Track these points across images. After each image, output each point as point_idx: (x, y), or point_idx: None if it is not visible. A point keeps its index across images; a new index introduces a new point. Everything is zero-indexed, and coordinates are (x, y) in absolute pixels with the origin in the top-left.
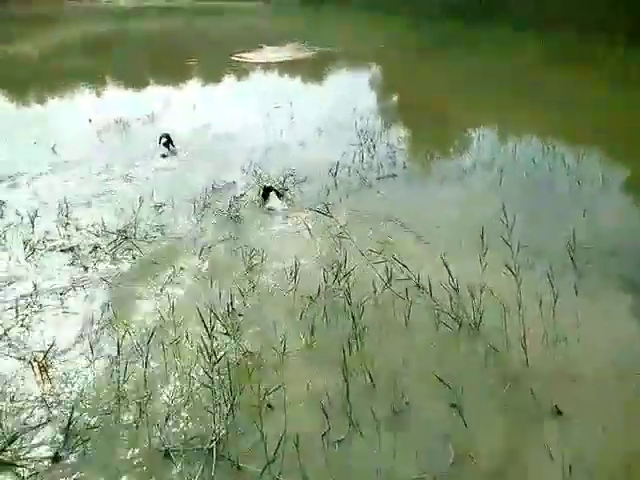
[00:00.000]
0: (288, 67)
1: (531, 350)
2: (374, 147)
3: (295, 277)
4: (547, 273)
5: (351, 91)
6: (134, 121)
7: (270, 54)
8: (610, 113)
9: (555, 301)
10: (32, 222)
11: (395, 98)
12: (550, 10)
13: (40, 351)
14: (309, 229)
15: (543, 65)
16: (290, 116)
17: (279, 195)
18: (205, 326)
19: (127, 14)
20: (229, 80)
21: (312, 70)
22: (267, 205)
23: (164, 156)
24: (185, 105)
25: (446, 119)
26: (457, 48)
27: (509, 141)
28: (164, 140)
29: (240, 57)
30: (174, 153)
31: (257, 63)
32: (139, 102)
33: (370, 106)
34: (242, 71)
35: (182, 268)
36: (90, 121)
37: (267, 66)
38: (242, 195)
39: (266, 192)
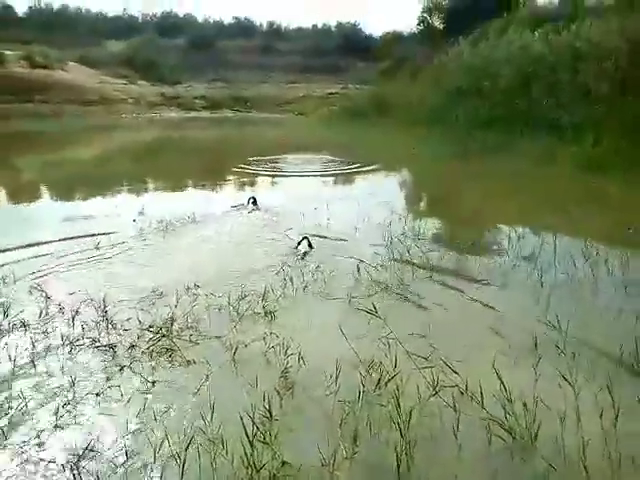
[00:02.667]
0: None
1: (591, 467)
2: (408, 251)
3: (337, 379)
4: (606, 384)
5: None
6: (175, 222)
7: (305, 162)
8: None
9: (617, 415)
10: (72, 318)
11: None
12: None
13: (73, 454)
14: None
15: (580, 169)
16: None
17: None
18: (245, 433)
19: (176, 125)
20: (265, 183)
21: (347, 178)
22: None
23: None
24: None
25: (480, 219)
26: (493, 155)
27: (547, 243)
28: (252, 201)
29: (275, 163)
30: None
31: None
32: (181, 204)
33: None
34: (277, 178)
35: (220, 367)
36: (134, 221)
37: (303, 171)
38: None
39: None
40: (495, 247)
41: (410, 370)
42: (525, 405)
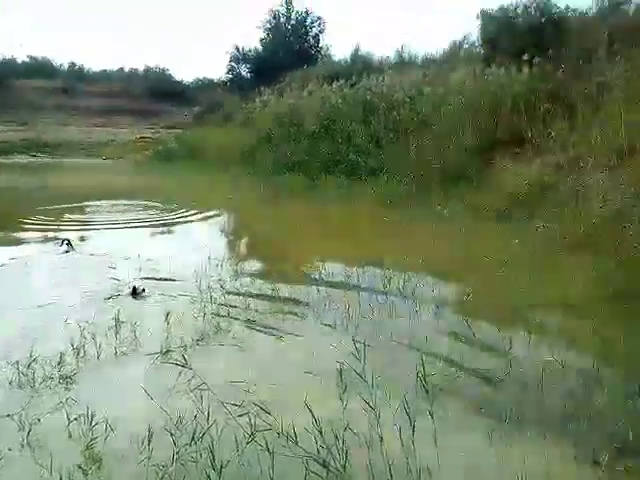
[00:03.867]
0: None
1: None
2: (224, 295)
3: (149, 443)
4: (402, 404)
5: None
6: None
7: (115, 212)
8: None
9: (413, 431)
10: None
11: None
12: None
13: None
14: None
15: (375, 206)
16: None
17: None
18: None
19: None
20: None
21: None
22: None
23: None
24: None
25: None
26: (301, 196)
27: (353, 273)
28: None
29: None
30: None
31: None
32: None
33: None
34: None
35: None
36: None
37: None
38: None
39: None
40: (307, 281)
41: (226, 420)
42: (336, 435)
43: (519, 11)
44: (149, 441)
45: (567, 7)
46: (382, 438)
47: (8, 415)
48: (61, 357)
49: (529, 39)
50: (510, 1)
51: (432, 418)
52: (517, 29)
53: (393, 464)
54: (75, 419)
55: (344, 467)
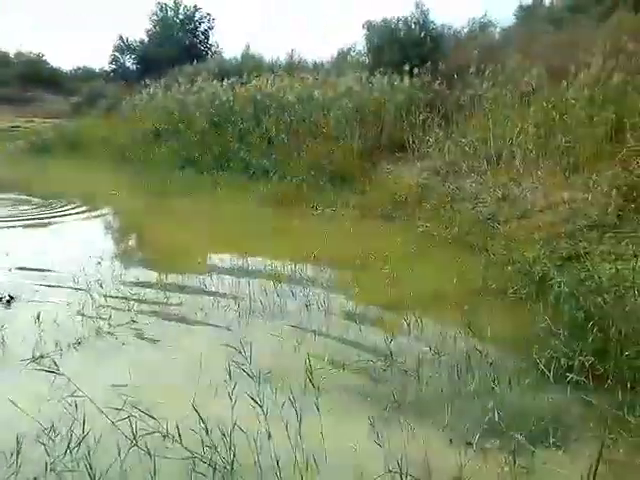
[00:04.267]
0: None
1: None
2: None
3: (17, 456)
4: (289, 397)
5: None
6: None
7: None
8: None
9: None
10: None
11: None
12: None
13: None
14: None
15: (266, 204)
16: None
17: None
18: None
19: None
20: None
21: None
22: None
23: None
24: None
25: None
26: (190, 194)
27: (246, 274)
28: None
29: None
30: None
31: None
32: None
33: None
34: None
35: None
36: None
37: None
38: None
39: None
40: (192, 280)
41: (105, 426)
42: (223, 434)
43: (400, 25)
44: (18, 453)
45: (443, 25)
46: (270, 434)
47: None
48: None
49: (410, 51)
50: (393, 14)
51: (318, 411)
52: (399, 41)
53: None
54: None
55: (231, 465)
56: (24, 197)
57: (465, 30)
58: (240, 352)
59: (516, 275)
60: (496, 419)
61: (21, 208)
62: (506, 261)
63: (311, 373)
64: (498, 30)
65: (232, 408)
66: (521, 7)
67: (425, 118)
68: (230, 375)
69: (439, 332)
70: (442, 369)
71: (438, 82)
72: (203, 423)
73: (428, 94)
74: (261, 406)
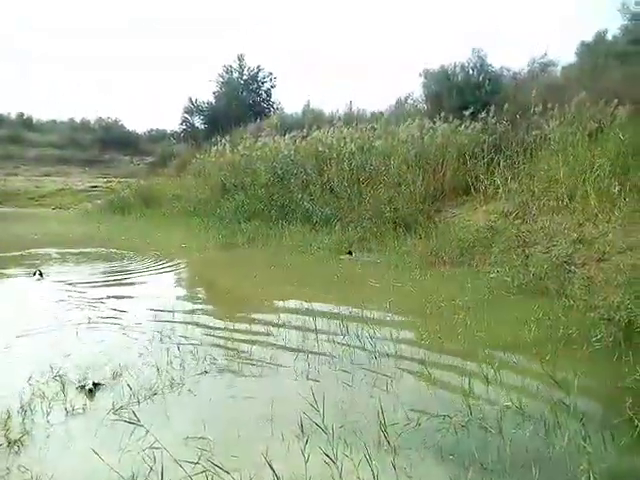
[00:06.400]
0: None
1: None
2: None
3: None
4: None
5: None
6: None
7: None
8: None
9: None
10: None
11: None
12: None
13: None
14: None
15: (331, 253)
16: None
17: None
18: None
19: None
20: None
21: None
22: None
23: None
24: None
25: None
26: (258, 245)
27: (311, 320)
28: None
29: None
30: None
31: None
32: None
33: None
34: None
35: None
36: None
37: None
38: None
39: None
40: (265, 328)
41: (181, 478)
42: None
43: (458, 70)
44: None
45: (502, 67)
46: None
47: None
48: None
49: (469, 96)
50: (450, 61)
51: (395, 470)
52: (457, 86)
53: None
54: None
55: None
56: (104, 251)
57: (524, 71)
58: (312, 405)
59: (599, 321)
60: (591, 478)
61: (103, 263)
62: (587, 307)
63: (385, 429)
64: (559, 68)
65: (306, 464)
66: (582, 43)
67: (490, 160)
68: (302, 428)
69: (520, 384)
70: (526, 425)
71: (501, 124)
72: (277, 478)
73: (492, 136)
74: (335, 462)
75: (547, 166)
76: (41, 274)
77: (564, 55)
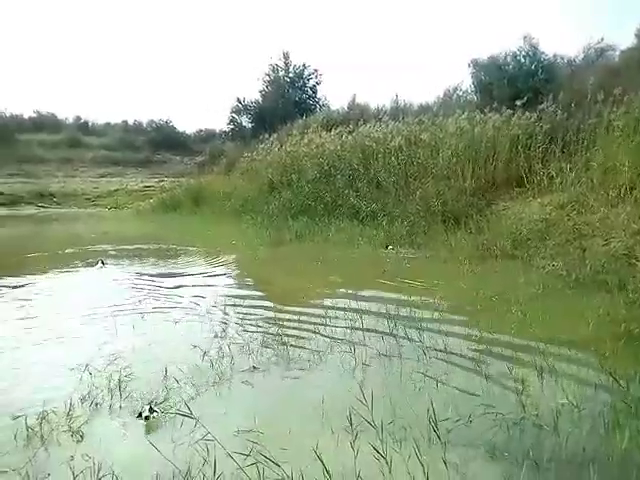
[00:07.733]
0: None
1: None
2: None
3: None
4: (414, 450)
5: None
6: None
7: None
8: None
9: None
10: None
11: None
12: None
13: None
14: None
15: (379, 247)
16: None
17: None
18: None
19: None
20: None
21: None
22: None
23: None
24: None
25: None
26: (306, 241)
27: (359, 315)
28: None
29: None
30: None
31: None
32: None
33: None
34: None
35: None
36: None
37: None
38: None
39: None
40: (314, 323)
41: (233, 471)
42: None
43: (509, 59)
44: None
45: (555, 55)
46: None
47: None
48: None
49: (521, 85)
50: (499, 50)
51: (446, 467)
52: (509, 75)
53: None
54: (82, 472)
55: None
56: (157, 246)
57: (580, 57)
58: (360, 400)
59: None
60: None
61: (156, 259)
62: None
63: (436, 424)
64: (617, 53)
65: (355, 458)
66: None
67: (544, 150)
68: (351, 423)
69: (577, 381)
70: (583, 423)
71: (556, 112)
72: (327, 474)
73: (546, 126)
74: (384, 457)
75: (606, 155)
76: (103, 263)
77: (622, 39)
